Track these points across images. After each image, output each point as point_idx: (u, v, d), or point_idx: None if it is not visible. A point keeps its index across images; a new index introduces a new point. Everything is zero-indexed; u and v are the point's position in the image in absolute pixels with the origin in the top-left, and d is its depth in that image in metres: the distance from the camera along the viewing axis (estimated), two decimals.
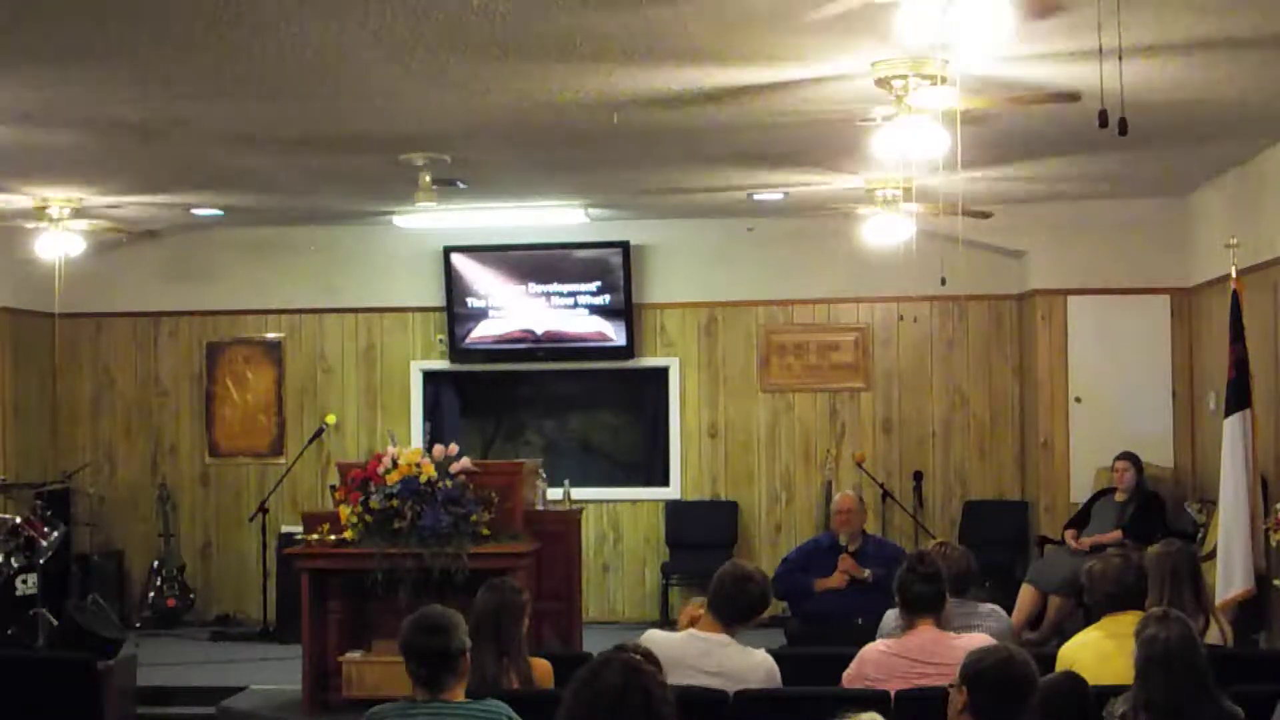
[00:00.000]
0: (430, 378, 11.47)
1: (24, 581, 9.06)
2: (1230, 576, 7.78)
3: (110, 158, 8.06)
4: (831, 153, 7.97)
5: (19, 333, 10.83)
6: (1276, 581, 8.00)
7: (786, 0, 5.12)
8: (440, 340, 11.27)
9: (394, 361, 11.37)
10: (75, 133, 7.29)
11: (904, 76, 5.91)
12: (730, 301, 11.14)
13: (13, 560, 9.03)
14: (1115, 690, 4.34)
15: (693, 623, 5.17)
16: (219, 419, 11.43)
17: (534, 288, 11.08)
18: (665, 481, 11.23)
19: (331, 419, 10.94)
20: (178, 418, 11.46)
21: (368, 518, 7.54)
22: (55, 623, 8.69)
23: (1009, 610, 6.88)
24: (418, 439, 11.08)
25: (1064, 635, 7.36)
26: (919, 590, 5.09)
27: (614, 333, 11.02)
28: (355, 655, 7.64)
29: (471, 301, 11.11)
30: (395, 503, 7.51)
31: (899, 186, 8.34)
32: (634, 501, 11.26)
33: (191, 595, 10.99)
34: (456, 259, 11.07)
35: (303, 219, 10.84)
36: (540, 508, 8.45)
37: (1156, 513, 9.31)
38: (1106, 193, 9.89)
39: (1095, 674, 4.51)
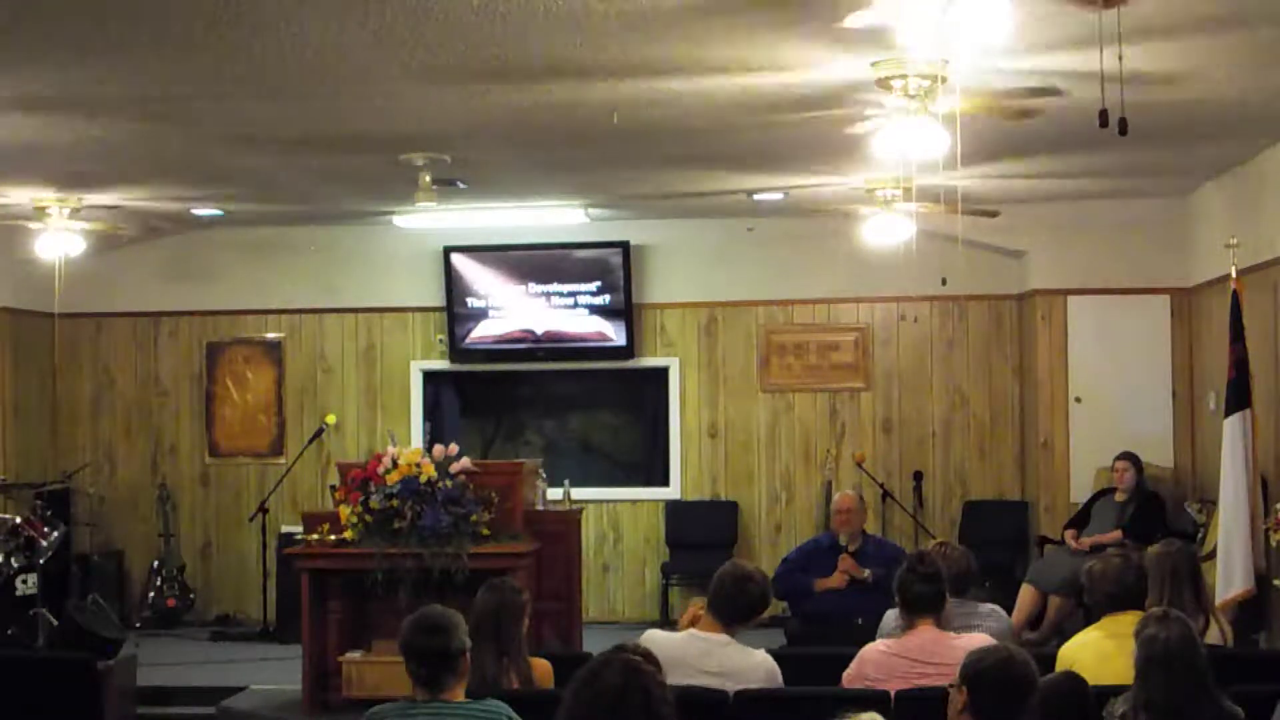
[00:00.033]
0: (430, 378, 11.47)
1: (24, 581, 9.06)
2: (1230, 576, 7.78)
3: (110, 158, 8.06)
4: (831, 153, 7.96)
5: (19, 333, 10.83)
6: (1276, 581, 8.00)
7: (787, 4, 5.12)
8: (440, 340, 11.27)
9: (394, 361, 11.37)
10: (75, 132, 7.29)
11: (904, 76, 5.91)
12: (730, 301, 11.14)
13: (13, 560, 9.03)
14: (1115, 690, 4.34)
15: (693, 623, 5.17)
16: (219, 419, 11.43)
17: (534, 288, 11.08)
18: (665, 481, 11.23)
19: (331, 419, 10.94)
20: (178, 418, 11.46)
21: (368, 518, 7.54)
22: (55, 623, 8.69)
23: (1009, 610, 6.88)
24: (418, 439, 11.08)
25: (1064, 635, 7.36)
26: (919, 590, 5.09)
27: (614, 333, 11.02)
28: (355, 655, 7.64)
29: (471, 301, 11.11)
30: (395, 503, 7.51)
31: (899, 186, 8.33)
32: (634, 501, 11.26)
33: (191, 595, 10.99)
34: (456, 259, 11.07)
35: (303, 219, 10.84)
36: (540, 508, 8.45)
37: (1156, 513, 9.31)
38: (1106, 193, 9.89)
39: (1095, 674, 4.51)
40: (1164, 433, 10.23)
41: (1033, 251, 10.53)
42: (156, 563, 10.95)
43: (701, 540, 10.67)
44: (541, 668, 5.17)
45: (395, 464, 7.59)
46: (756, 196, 9.74)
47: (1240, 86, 6.62)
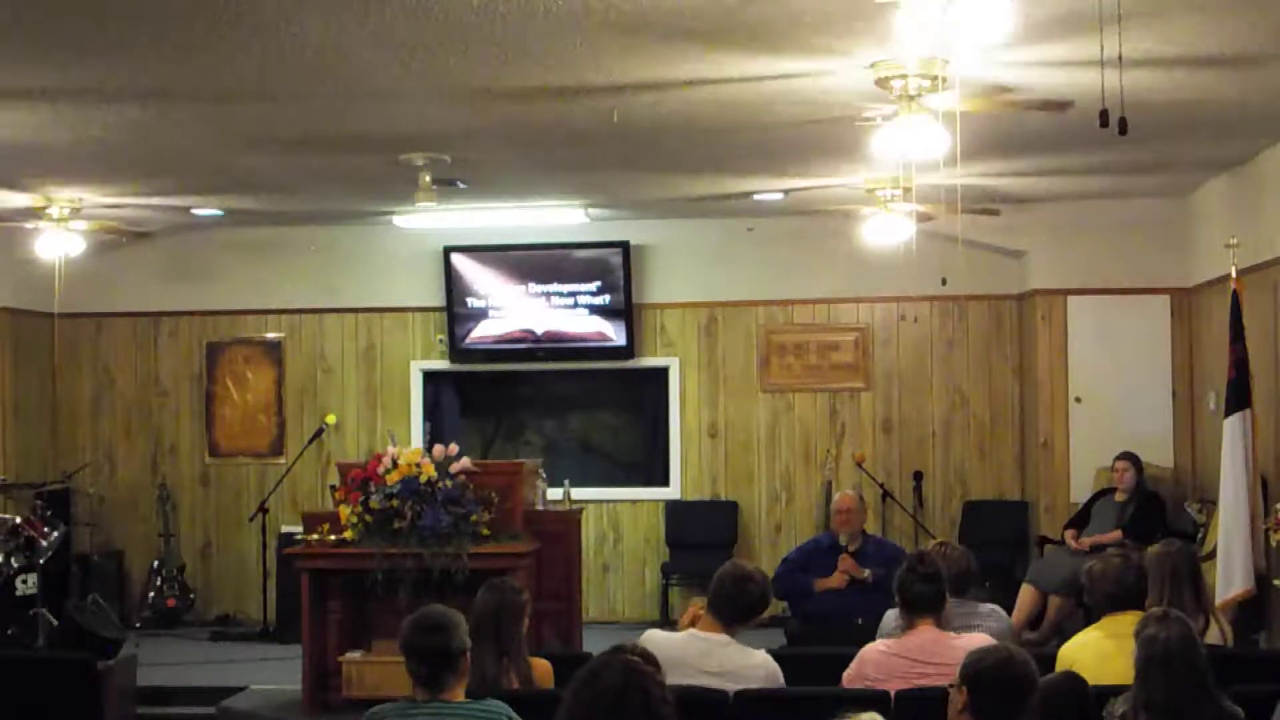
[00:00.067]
0: (430, 378, 11.47)
1: (24, 581, 9.06)
2: (1230, 576, 7.78)
3: (110, 158, 8.06)
4: (831, 153, 7.96)
5: (19, 333, 10.83)
6: (1276, 581, 8.00)
7: (787, 4, 5.12)
8: (440, 340, 11.27)
9: (394, 361, 11.37)
10: (75, 132, 7.29)
11: (904, 76, 5.91)
12: (730, 301, 11.14)
13: (13, 560, 9.02)
14: (1115, 690, 4.34)
15: (693, 623, 5.17)
16: (219, 419, 11.43)
17: (534, 288, 11.08)
18: (665, 481, 11.23)
19: (331, 419, 10.94)
20: (178, 418, 11.46)
21: (368, 518, 7.54)
22: (55, 623, 8.69)
23: (1009, 610, 6.88)
24: (418, 439, 11.08)
25: (1064, 635, 7.36)
26: (919, 590, 5.09)
27: (614, 333, 11.02)
28: (355, 655, 7.64)
29: (471, 301, 11.11)
30: (395, 503, 7.51)
31: (899, 186, 8.34)
32: (634, 501, 11.26)
33: (191, 595, 10.99)
34: (456, 259, 11.07)
35: (303, 219, 10.84)
36: (540, 508, 8.45)
37: (1156, 513, 9.31)
38: (1106, 193, 9.89)
39: (1095, 674, 4.51)
40: (1164, 433, 10.23)
41: (1033, 251, 10.53)
42: (156, 563, 10.95)
43: (701, 540, 10.67)
44: (541, 668, 5.17)
45: (395, 464, 7.59)
46: (756, 196, 9.74)
47: (1240, 87, 6.62)
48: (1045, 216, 10.24)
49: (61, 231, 9.23)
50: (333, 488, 8.50)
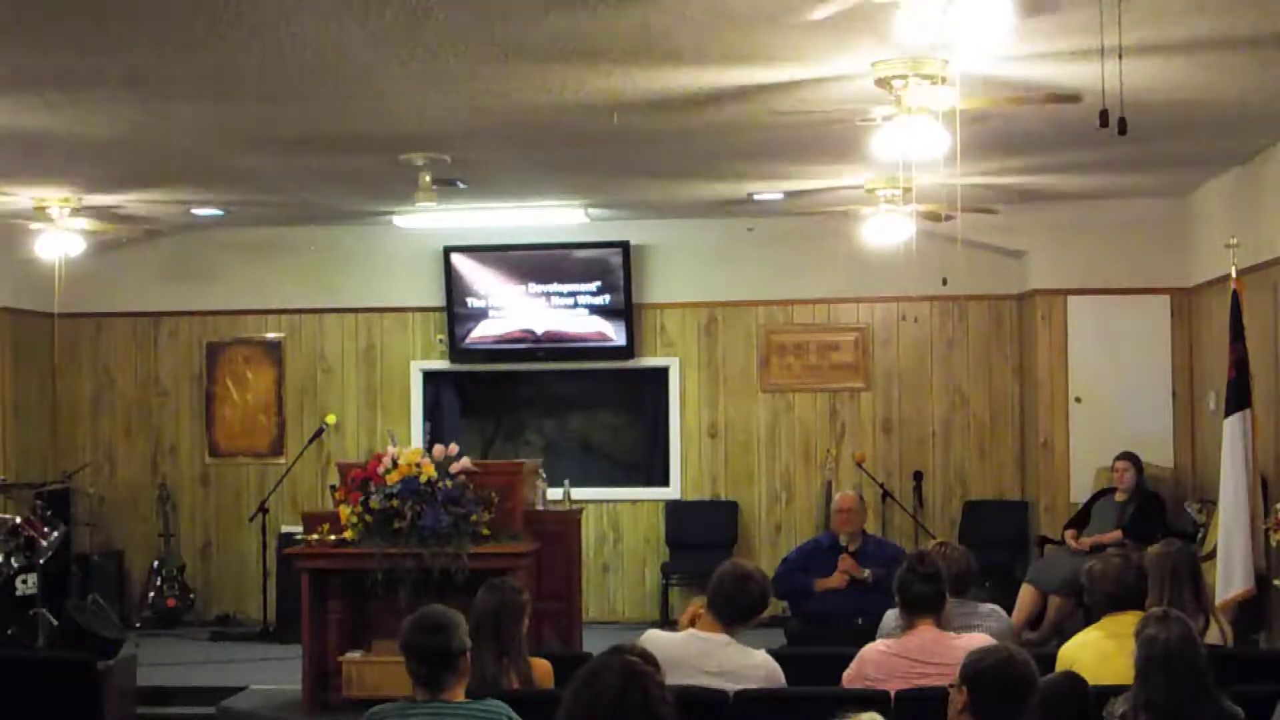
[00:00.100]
0: (430, 378, 11.47)
1: (24, 581, 9.06)
2: (1230, 576, 7.78)
3: (110, 157, 8.06)
4: (831, 153, 7.96)
5: (19, 333, 10.83)
6: (1276, 581, 8.00)
7: (787, 4, 5.12)
8: (440, 340, 11.27)
9: (394, 361, 11.37)
10: (75, 132, 7.29)
11: (904, 76, 5.91)
12: (730, 301, 11.14)
13: (13, 560, 9.03)
14: (1115, 690, 4.34)
15: (692, 622, 5.16)
16: (219, 419, 11.43)
17: (534, 288, 11.08)
18: (665, 481, 11.23)
19: (331, 419, 10.94)
20: (178, 418, 11.46)
21: (368, 518, 7.54)
22: (55, 623, 8.69)
23: (1009, 610, 6.88)
24: (418, 439, 11.08)
25: (1064, 635, 7.36)
26: (919, 590, 5.09)
27: (614, 333, 11.02)
28: (355, 655, 7.64)
29: (471, 301, 11.12)
30: (395, 503, 7.51)
31: (899, 186, 8.34)
32: (634, 501, 11.26)
33: (191, 595, 10.99)
34: (456, 259, 11.07)
35: (303, 219, 10.84)
36: (540, 508, 8.44)
37: (1156, 513, 9.31)
38: (1106, 193, 9.89)
39: (1095, 674, 4.51)
40: (1164, 433, 10.23)
41: (1033, 251, 10.53)
42: (156, 563, 10.95)
43: (701, 540, 10.67)
44: (541, 668, 5.17)
45: (395, 464, 7.59)
46: (756, 196, 9.74)
47: (1240, 86, 6.62)
48: (1045, 216, 10.24)
49: (61, 231, 9.24)
50: (333, 488, 8.50)
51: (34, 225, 9.31)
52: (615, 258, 10.95)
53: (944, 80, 5.87)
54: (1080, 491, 10.07)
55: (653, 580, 11.04)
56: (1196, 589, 5.67)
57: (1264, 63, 6.16)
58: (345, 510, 7.61)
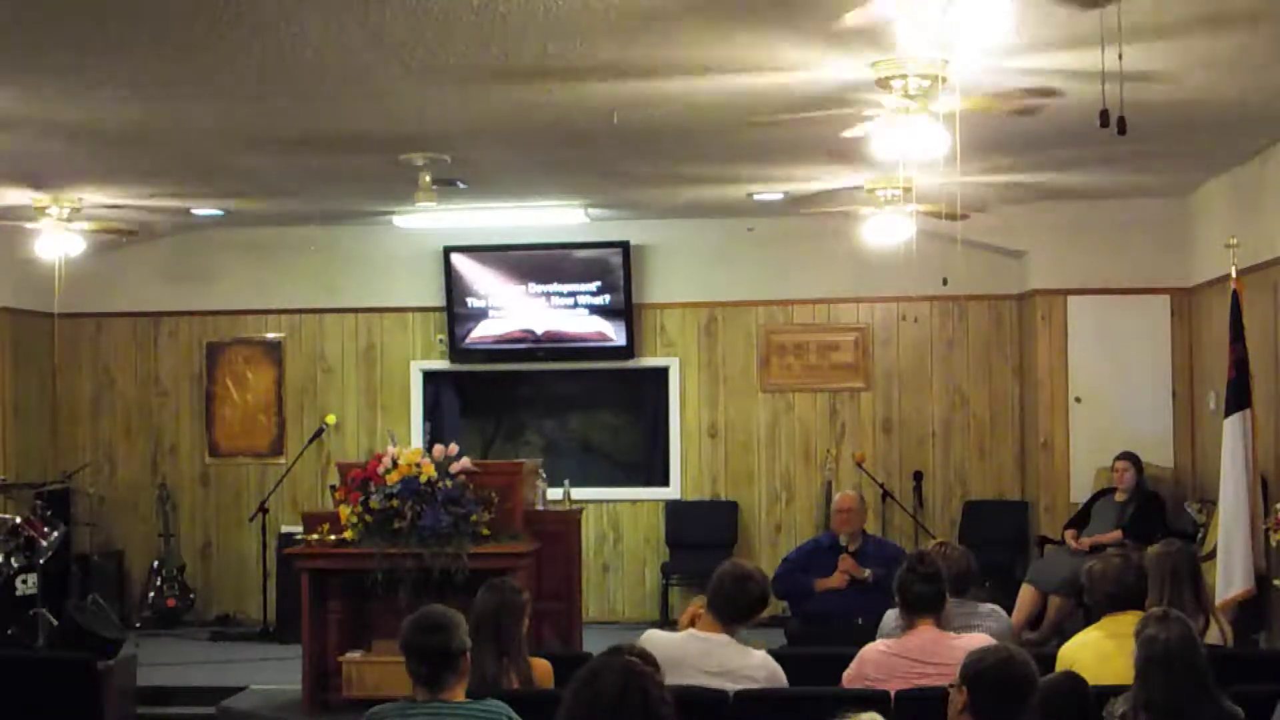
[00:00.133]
0: (430, 378, 11.47)
1: (24, 581, 9.06)
2: (1230, 576, 7.78)
3: (110, 158, 8.06)
4: (832, 153, 7.95)
5: (19, 333, 10.83)
6: (1276, 581, 8.00)
7: (786, 4, 5.12)
8: (440, 340, 11.27)
9: (394, 361, 11.37)
10: (75, 133, 7.29)
11: (904, 76, 5.91)
12: (730, 301, 11.14)
13: (13, 560, 9.03)
14: (1115, 690, 4.34)
15: (692, 622, 5.16)
16: (219, 419, 11.43)
17: (534, 288, 11.08)
18: (665, 481, 11.23)
19: (331, 419, 10.94)
20: (178, 418, 11.46)
21: (368, 518, 7.54)
22: (55, 623, 8.69)
23: (1009, 610, 6.88)
24: (418, 439, 11.08)
25: (1064, 635, 7.36)
26: (919, 590, 5.09)
27: (614, 333, 11.02)
28: (355, 655, 7.64)
29: (471, 301, 11.11)
30: (395, 503, 7.51)
31: (899, 186, 8.33)
32: (634, 501, 11.26)
33: (191, 595, 10.99)
34: (456, 259, 11.07)
35: (303, 219, 10.84)
36: (540, 508, 8.45)
37: (1156, 513, 9.31)
38: (1106, 193, 9.89)
39: (1095, 674, 4.51)
40: (1164, 433, 10.23)
41: (1033, 251, 10.53)
42: (156, 563, 10.95)
43: (701, 540, 10.66)
44: (541, 668, 5.17)
45: (395, 464, 7.59)
46: (756, 196, 9.74)
47: (1240, 86, 6.62)
48: (1045, 216, 10.24)
49: (61, 231, 9.23)
50: (333, 488, 8.50)
51: (34, 225, 9.30)
52: (615, 258, 10.95)
53: (944, 80, 5.87)
54: (1080, 491, 10.07)
55: (653, 580, 11.04)
56: (1196, 589, 5.67)
57: (1264, 63, 6.16)
58: (345, 510, 7.61)
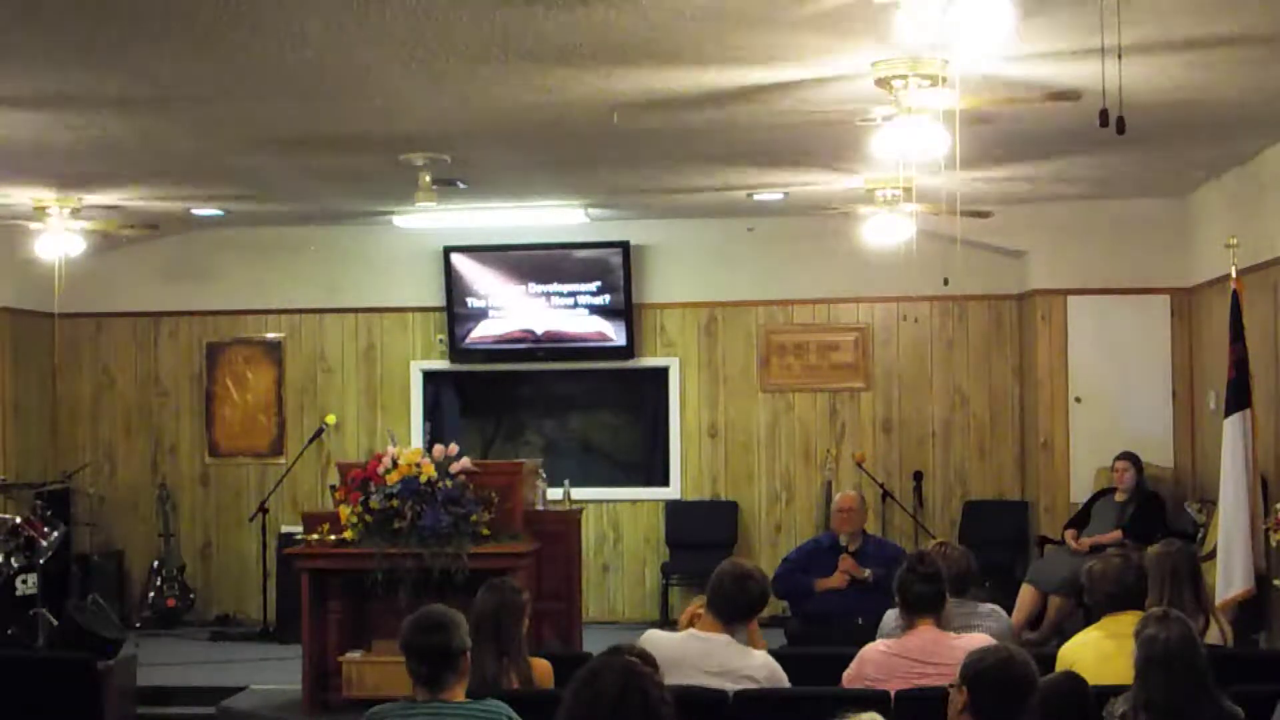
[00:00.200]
0: (430, 378, 11.47)
1: (24, 581, 9.06)
2: (1230, 576, 7.78)
3: (110, 158, 8.06)
4: (831, 153, 7.96)
5: (19, 333, 10.83)
6: (1276, 581, 8.00)
7: (787, 4, 5.12)
8: (440, 340, 11.28)
9: (394, 361, 11.37)
10: (75, 132, 7.29)
11: (904, 76, 5.91)
12: (730, 301, 11.14)
13: (13, 560, 9.02)
14: (1115, 690, 4.35)
15: (691, 622, 5.16)
16: (219, 419, 11.44)
17: (534, 288, 11.08)
18: (665, 481, 11.23)
19: (331, 419, 10.95)
20: (178, 418, 11.47)
21: (368, 518, 7.54)
22: (55, 623, 8.69)
23: (1009, 610, 6.88)
24: (418, 439, 11.08)
25: (1064, 635, 7.36)
26: (919, 590, 5.09)
27: (614, 333, 11.02)
28: (355, 655, 7.64)
29: (471, 301, 11.12)
30: (395, 503, 7.51)
31: (899, 186, 8.33)
32: (634, 501, 11.27)
33: (191, 595, 11.00)
34: (456, 259, 11.07)
35: (303, 219, 10.84)
36: (540, 508, 8.45)
37: (1156, 513, 9.32)
38: (1106, 193, 9.89)
39: (1095, 674, 4.51)
40: (1164, 433, 10.23)
41: (1033, 251, 10.53)
42: (156, 563, 10.95)
43: (701, 540, 10.66)
44: (541, 668, 5.17)
45: (395, 464, 7.59)
46: (756, 196, 9.74)
47: (1240, 86, 6.62)
48: (1045, 216, 10.24)
49: (61, 231, 9.23)
50: (333, 488, 8.50)
51: (34, 225, 9.30)
52: (615, 258, 10.95)
53: (944, 80, 5.87)
54: (1080, 491, 10.08)
55: (653, 580, 11.04)
56: (1196, 589, 5.67)
57: (1264, 63, 6.15)
58: (345, 510, 7.61)
